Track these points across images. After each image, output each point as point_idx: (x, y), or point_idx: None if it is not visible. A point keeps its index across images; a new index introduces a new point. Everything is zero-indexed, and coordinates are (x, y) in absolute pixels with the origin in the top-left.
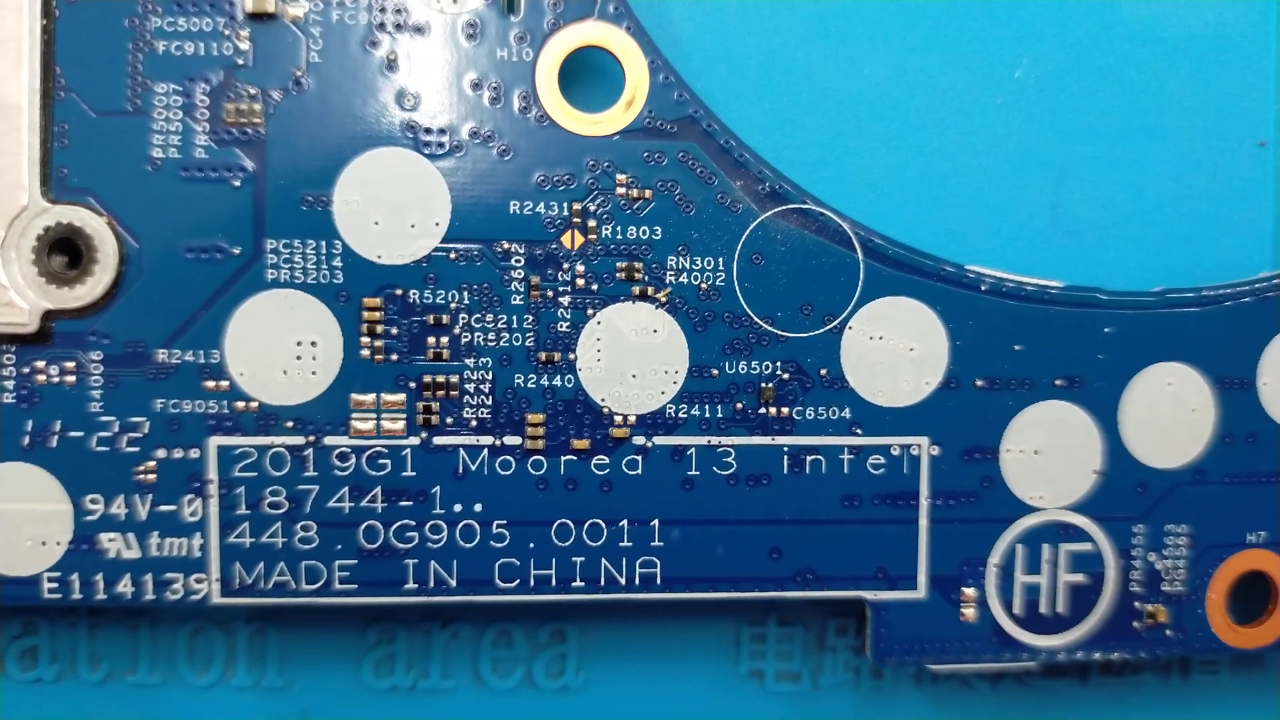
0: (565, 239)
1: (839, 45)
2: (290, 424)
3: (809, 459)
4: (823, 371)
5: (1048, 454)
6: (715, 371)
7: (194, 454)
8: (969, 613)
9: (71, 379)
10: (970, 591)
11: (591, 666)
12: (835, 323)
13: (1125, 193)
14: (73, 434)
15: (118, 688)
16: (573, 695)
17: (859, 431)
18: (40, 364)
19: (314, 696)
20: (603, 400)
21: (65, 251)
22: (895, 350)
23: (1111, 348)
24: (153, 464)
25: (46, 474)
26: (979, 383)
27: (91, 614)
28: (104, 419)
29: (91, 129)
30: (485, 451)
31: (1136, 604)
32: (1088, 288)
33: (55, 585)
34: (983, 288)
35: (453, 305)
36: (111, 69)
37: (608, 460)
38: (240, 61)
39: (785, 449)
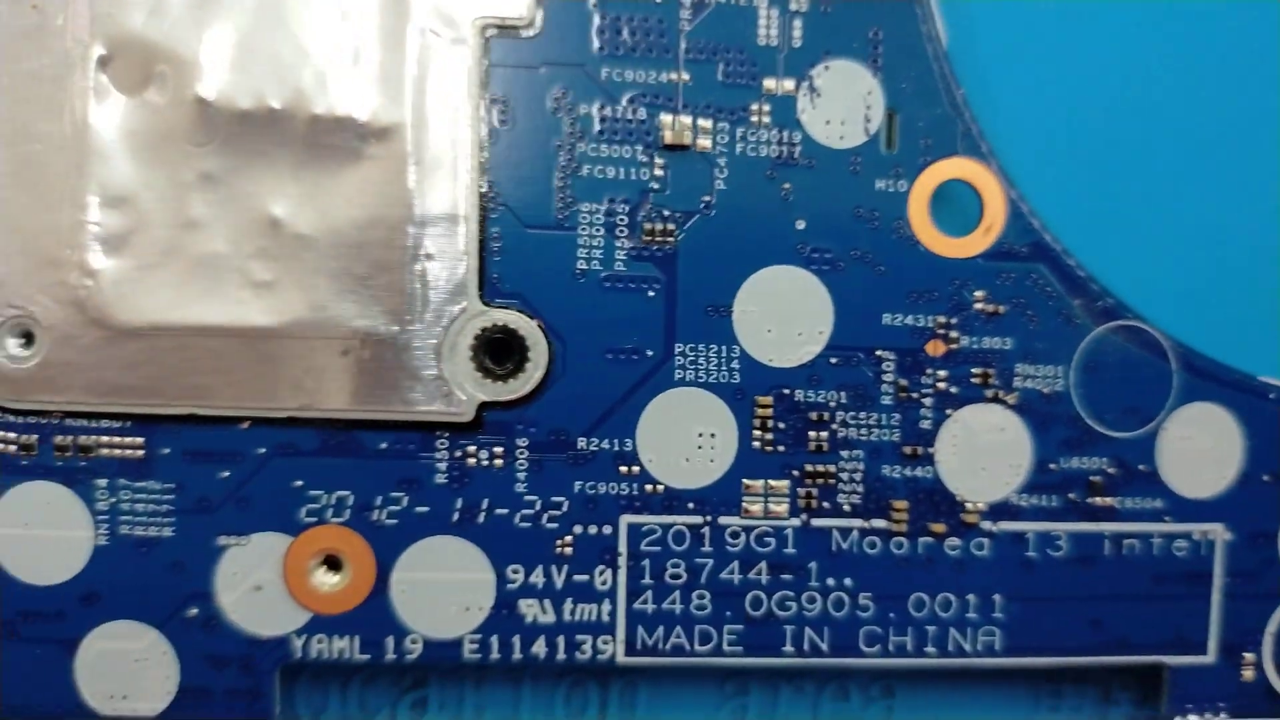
0: (929, 347)
1: (1161, 171)
2: (691, 505)
3: (1126, 543)
4: (1141, 467)
5: None
6: (1053, 466)
7: (607, 530)
8: (1248, 674)
9: (500, 463)
10: (1250, 656)
11: (916, 717)
12: (1153, 424)
13: None
14: (499, 511)
15: None
16: None
17: (1168, 519)
18: (471, 449)
19: None
20: (957, 490)
21: (491, 350)
22: (1200, 449)
23: None
24: (570, 539)
25: (474, 547)
26: (1265, 478)
27: (478, 669)
28: (528, 498)
29: (522, 241)
30: (855, 532)
31: None
32: None
33: (476, 646)
34: (1270, 395)
35: (832, 404)
36: (542, 188)
37: (959, 542)
38: (656, 186)
39: (1107, 535)
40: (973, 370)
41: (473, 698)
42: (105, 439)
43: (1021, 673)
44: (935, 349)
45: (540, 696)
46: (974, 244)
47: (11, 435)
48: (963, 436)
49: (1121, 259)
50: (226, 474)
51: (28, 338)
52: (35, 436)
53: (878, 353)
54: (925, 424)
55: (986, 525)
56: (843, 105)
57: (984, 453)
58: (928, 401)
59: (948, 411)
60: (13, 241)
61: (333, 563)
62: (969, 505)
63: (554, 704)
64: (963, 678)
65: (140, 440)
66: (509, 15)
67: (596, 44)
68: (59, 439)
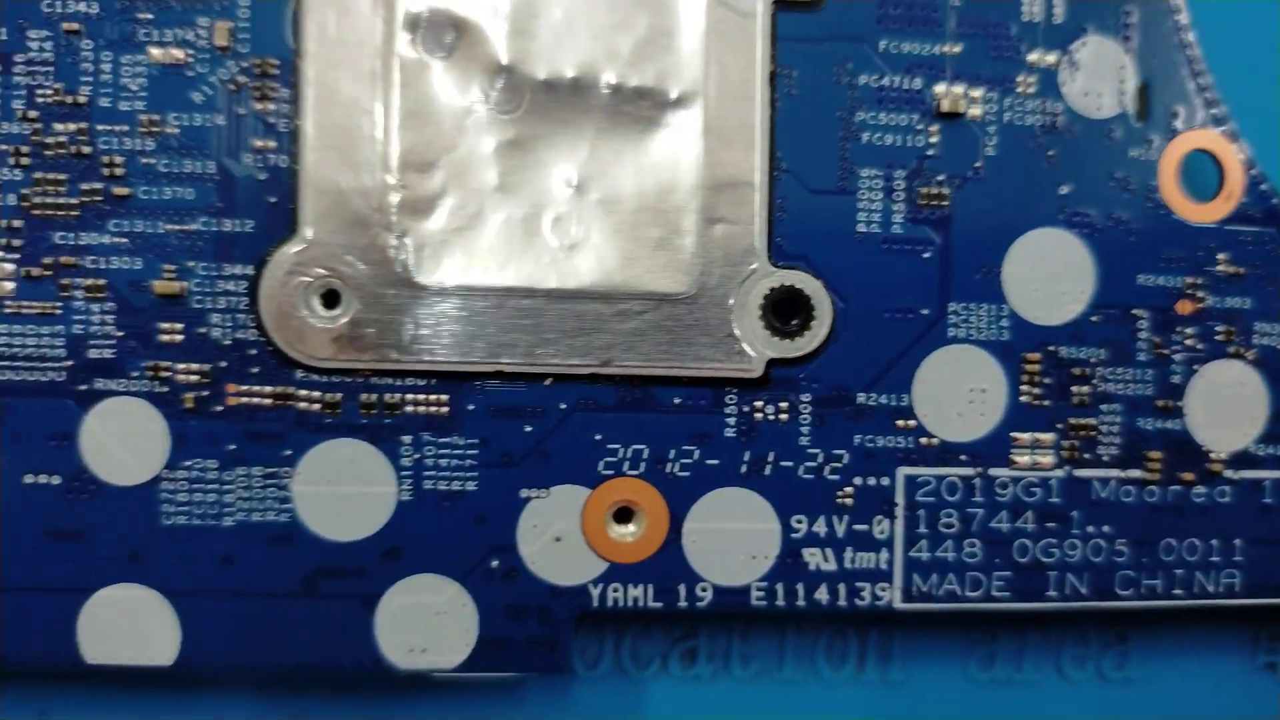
0: (1180, 306)
1: None
2: (963, 457)
3: None
4: None
5: None
6: None
7: (885, 481)
8: None
9: (785, 417)
10: None
11: (1148, 661)
12: None
13: None
14: (784, 464)
15: (765, 684)
16: (1134, 687)
17: None
18: (759, 404)
19: (927, 689)
20: (1203, 441)
21: (777, 309)
22: None
23: None
24: (850, 490)
25: (760, 498)
26: None
27: (745, 620)
28: (811, 451)
29: (806, 204)
30: (1113, 481)
31: None
32: None
33: (762, 594)
34: None
35: (1093, 360)
36: (824, 154)
37: (1205, 490)
38: (931, 152)
39: None
40: (1217, 328)
41: (740, 648)
42: (411, 396)
43: (1244, 617)
44: (1185, 308)
45: (803, 646)
46: (1216, 210)
47: (316, 394)
48: (1209, 391)
49: None
50: (529, 429)
51: (331, 299)
52: (340, 395)
53: (1133, 311)
54: (1175, 379)
55: (1229, 474)
56: (1099, 78)
57: (1227, 406)
58: (1178, 358)
59: (1195, 367)
60: (322, 204)
61: (621, 514)
62: (1213, 455)
63: (816, 654)
64: (1190, 622)
65: (445, 397)
66: None
67: (876, 19)
68: (364, 397)
